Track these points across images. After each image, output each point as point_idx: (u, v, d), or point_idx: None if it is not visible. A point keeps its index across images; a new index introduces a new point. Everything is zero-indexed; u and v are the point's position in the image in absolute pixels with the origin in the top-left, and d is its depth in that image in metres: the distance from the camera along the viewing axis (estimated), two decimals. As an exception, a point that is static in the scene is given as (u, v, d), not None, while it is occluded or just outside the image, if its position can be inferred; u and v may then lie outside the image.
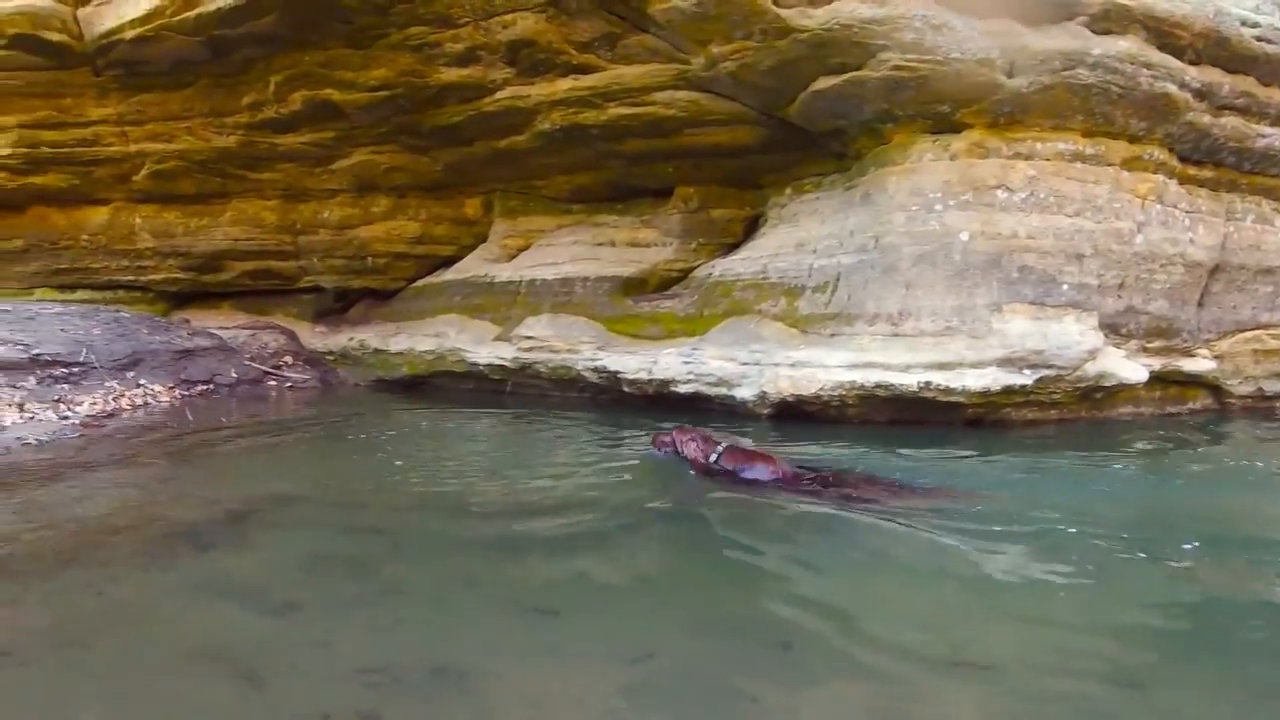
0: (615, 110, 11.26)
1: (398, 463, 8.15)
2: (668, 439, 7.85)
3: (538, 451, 8.92)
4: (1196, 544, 5.47)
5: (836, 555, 5.41)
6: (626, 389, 11.17)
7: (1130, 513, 6.51)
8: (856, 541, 5.65)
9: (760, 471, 7.00)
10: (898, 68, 9.31)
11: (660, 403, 10.88)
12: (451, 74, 11.53)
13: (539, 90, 11.44)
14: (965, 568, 5.07)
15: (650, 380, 10.76)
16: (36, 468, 7.54)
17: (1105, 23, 9.39)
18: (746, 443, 7.75)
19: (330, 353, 15.38)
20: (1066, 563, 5.07)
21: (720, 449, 7.37)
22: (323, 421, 10.86)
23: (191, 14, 11.47)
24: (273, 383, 14.26)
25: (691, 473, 7.34)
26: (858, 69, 9.50)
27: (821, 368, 9.64)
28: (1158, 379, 10.84)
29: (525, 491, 6.98)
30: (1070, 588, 4.74)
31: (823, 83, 9.78)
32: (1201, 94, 10.17)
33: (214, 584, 4.66)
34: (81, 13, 12.64)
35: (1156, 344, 10.74)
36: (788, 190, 11.91)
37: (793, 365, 9.81)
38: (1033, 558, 5.27)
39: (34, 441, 8.54)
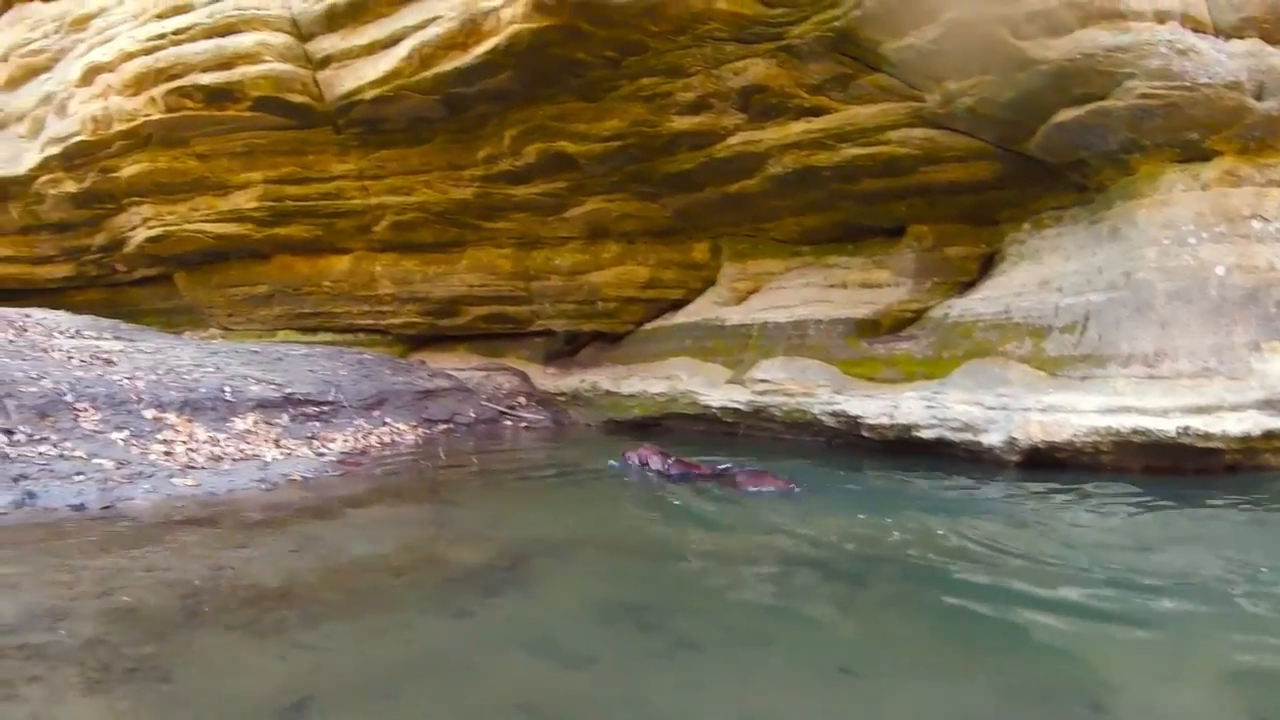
0: (849, 151, 11.21)
1: (665, 510, 8.18)
2: (634, 454, 9.74)
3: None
4: None
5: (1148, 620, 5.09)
6: (865, 434, 10.95)
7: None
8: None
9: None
10: (1144, 95, 9.00)
11: (898, 448, 10.64)
12: (683, 122, 11.72)
13: (771, 134, 11.50)
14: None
15: (891, 425, 10.53)
16: (305, 504, 7.82)
17: (1357, 37, 8.89)
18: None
19: (561, 394, 15.72)
20: None
21: (670, 460, 9.44)
22: (566, 461, 10.97)
23: (429, 73, 11.99)
24: (508, 422, 14.59)
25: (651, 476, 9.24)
26: (1102, 99, 9.23)
27: (1075, 412, 9.24)
28: None
29: (799, 539, 6.89)
30: None
31: (1065, 114, 9.54)
32: None
33: (508, 633, 4.67)
34: (321, 75, 13.32)
35: None
36: (1026, 225, 11.51)
37: (1044, 410, 9.43)
38: None
39: (299, 478, 8.84)
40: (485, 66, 11.49)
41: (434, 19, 11.59)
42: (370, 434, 11.74)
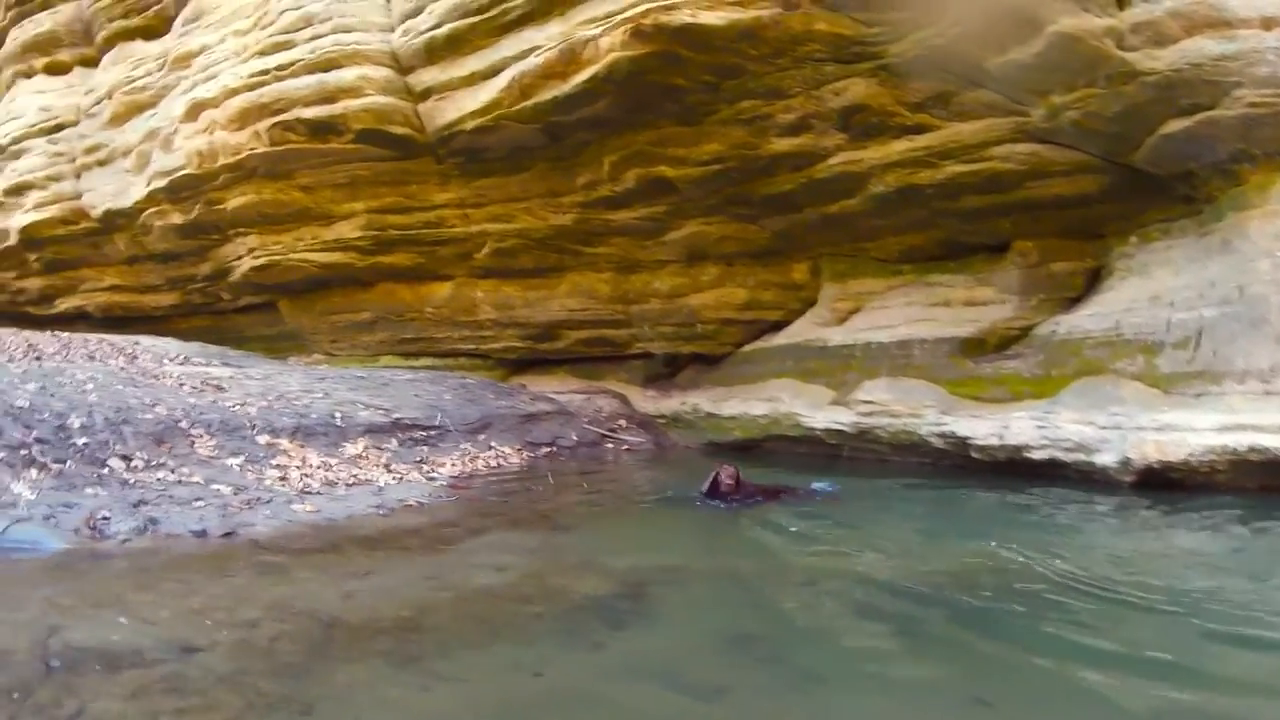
0: (952, 168, 11.15)
1: (774, 535, 8.15)
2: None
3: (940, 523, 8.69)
4: None
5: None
6: (975, 455, 10.84)
7: None
8: None
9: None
10: (1253, 104, 8.87)
11: (1007, 469, 10.49)
12: (783, 144, 11.73)
13: (872, 153, 11.47)
14: None
15: (1001, 446, 10.41)
16: (423, 529, 7.92)
17: None
18: None
19: (661, 416, 15.75)
20: None
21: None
22: (667, 485, 11.02)
23: (529, 103, 12.14)
24: (610, 445, 14.61)
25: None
26: (1210, 109, 9.11)
27: (1190, 431, 9.07)
28: None
29: (922, 568, 6.76)
30: None
31: (1173, 125, 9.43)
32: None
33: (639, 665, 4.68)
34: (422, 107, 13.59)
35: None
36: (1133, 239, 11.26)
37: (1159, 429, 9.28)
38: None
39: (414, 503, 8.95)
40: (584, 95, 11.61)
41: (533, 49, 11.73)
42: (477, 457, 11.87)
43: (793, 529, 8.18)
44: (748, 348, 15.59)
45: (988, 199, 11.46)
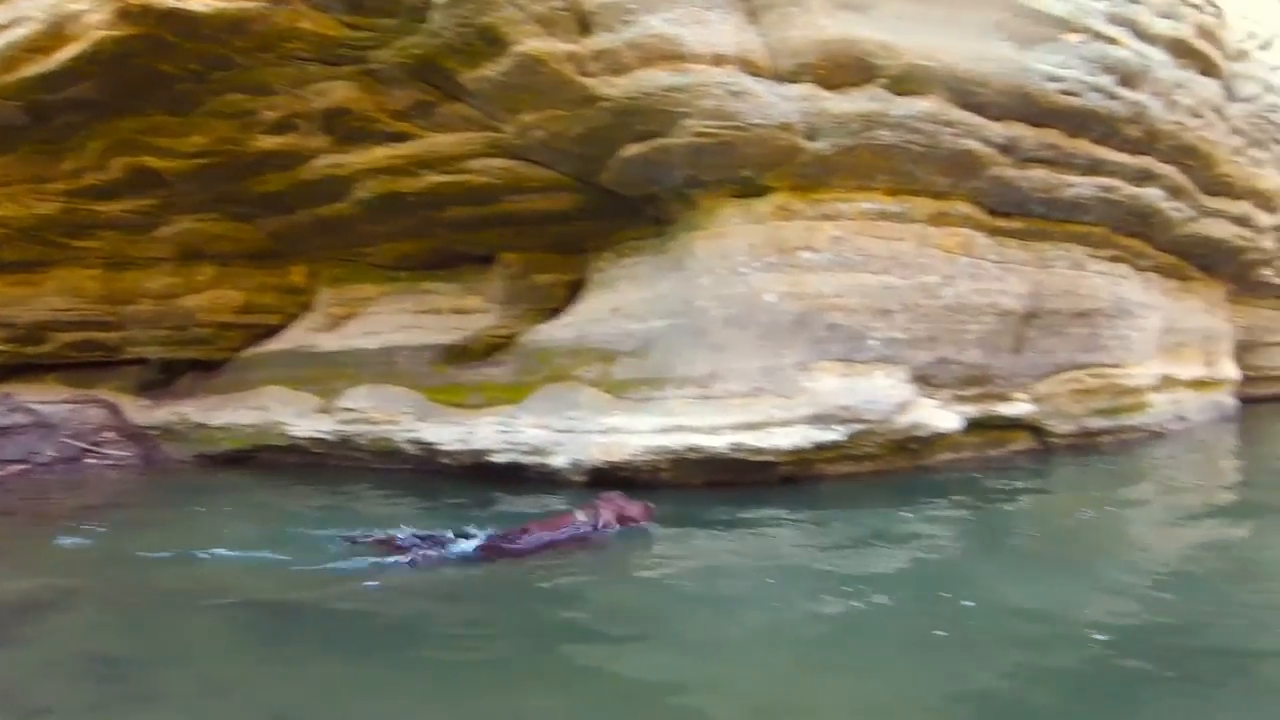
0: (432, 178, 11.22)
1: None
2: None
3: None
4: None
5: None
6: (444, 460, 11.04)
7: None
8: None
9: None
10: (700, 134, 9.45)
11: (481, 473, 10.74)
12: (269, 142, 11.39)
13: (356, 158, 11.35)
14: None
15: (466, 451, 10.67)
16: None
17: (907, 84, 9.69)
18: None
19: (154, 427, 14.82)
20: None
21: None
22: (130, 505, 10.57)
23: (12, 78, 11.02)
24: (92, 461, 13.74)
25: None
26: (663, 136, 9.62)
27: (633, 433, 9.67)
28: (977, 425, 11.17)
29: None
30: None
31: (630, 149, 9.89)
32: (1006, 148, 10.54)
33: None
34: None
35: (972, 391, 11.06)
36: (608, 255, 11.89)
37: (604, 432, 9.82)
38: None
39: None
40: (69, 73, 10.68)
41: (21, 19, 10.66)
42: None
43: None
44: (246, 353, 14.97)
45: (470, 210, 11.66)
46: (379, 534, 7.49)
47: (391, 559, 7.05)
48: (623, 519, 7.77)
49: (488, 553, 7.15)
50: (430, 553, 7.12)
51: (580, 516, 7.65)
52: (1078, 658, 4.79)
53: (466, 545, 7.21)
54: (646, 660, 5.05)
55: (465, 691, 4.62)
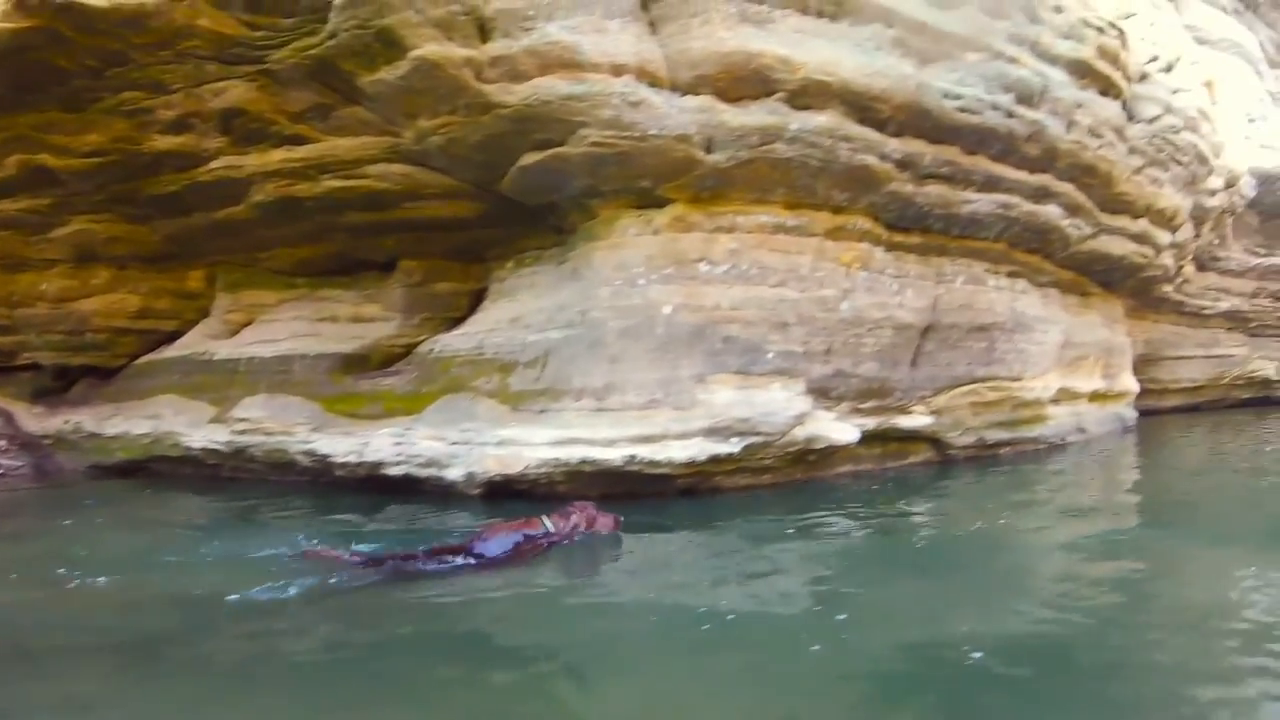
0: (330, 183, 11.08)
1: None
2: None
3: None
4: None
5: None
6: (338, 473, 10.88)
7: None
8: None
9: None
10: (597, 144, 9.38)
11: (377, 485, 10.58)
12: (165, 141, 11.20)
13: (252, 161, 11.19)
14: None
15: (360, 463, 10.52)
16: None
17: (804, 98, 9.66)
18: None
19: (47, 436, 14.49)
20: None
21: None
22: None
23: (-95, 70, 10.79)
24: (-21, 471, 13.36)
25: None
26: (560, 145, 9.55)
27: (528, 445, 9.57)
28: (876, 437, 11.26)
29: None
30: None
31: (528, 158, 9.80)
32: (904, 164, 10.59)
33: None
34: None
35: (870, 404, 11.14)
36: (509, 264, 11.81)
37: (499, 444, 9.71)
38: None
39: None
40: (-41, 66, 10.47)
41: None
42: None
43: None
44: (142, 360, 14.62)
45: (369, 216, 11.52)
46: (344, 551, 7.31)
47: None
48: (592, 525, 7.84)
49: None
50: (409, 567, 7.00)
51: (547, 522, 7.65)
52: (949, 672, 4.79)
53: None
54: (518, 673, 4.98)
55: (320, 708, 4.53)
